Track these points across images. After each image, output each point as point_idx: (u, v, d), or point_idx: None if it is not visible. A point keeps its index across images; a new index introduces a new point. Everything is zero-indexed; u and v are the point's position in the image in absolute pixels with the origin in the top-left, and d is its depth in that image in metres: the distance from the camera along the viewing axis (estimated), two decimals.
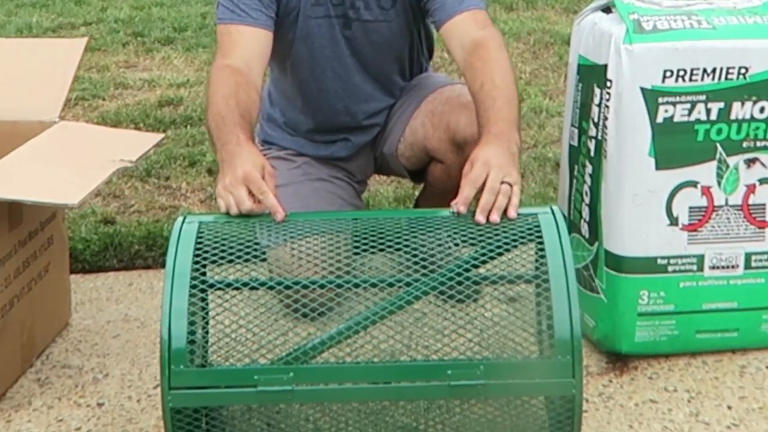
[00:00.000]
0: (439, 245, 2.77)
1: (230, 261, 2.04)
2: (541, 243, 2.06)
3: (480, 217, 2.08)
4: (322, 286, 2.44)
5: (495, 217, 2.07)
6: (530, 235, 2.15)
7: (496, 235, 2.08)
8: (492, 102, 2.26)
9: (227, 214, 2.10)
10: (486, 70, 2.34)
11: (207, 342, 2.11)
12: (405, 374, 2.00)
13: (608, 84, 2.36)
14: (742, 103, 2.35)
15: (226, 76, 2.38)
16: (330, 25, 2.60)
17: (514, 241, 2.16)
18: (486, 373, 1.93)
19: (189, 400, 1.95)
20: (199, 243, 2.04)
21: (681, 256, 2.40)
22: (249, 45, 2.46)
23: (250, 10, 2.48)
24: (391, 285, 2.35)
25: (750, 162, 2.39)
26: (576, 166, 2.53)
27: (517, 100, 2.31)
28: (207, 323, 2.10)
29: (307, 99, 2.73)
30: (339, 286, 2.39)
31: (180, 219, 2.07)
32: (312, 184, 2.73)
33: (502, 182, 2.09)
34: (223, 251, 2.03)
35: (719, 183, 2.38)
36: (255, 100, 2.38)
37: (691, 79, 2.33)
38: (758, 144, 2.38)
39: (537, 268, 2.14)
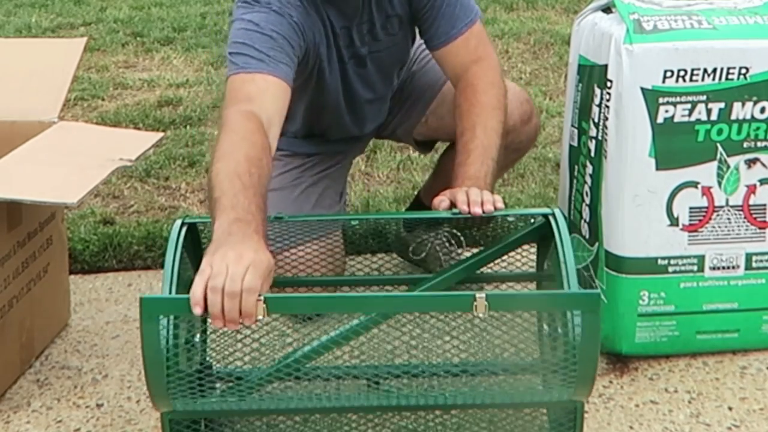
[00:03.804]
0: (440, 246, 2.78)
1: None
2: (542, 244, 2.05)
3: (476, 209, 2.08)
4: (322, 285, 2.44)
5: (489, 207, 2.09)
6: (531, 236, 2.15)
7: (498, 236, 2.08)
8: (465, 157, 2.28)
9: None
10: (470, 116, 2.35)
11: (206, 345, 2.11)
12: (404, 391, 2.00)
13: (608, 84, 2.36)
14: (743, 104, 2.35)
15: (252, 130, 2.09)
16: (343, 69, 2.51)
17: (516, 242, 2.15)
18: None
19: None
20: (198, 245, 2.04)
21: (681, 257, 2.39)
22: (274, 97, 2.19)
23: (278, 63, 2.23)
24: (392, 284, 2.35)
25: (750, 162, 2.39)
26: (576, 167, 2.53)
27: (496, 148, 2.30)
28: (206, 326, 2.10)
29: (319, 130, 2.70)
30: (338, 286, 2.37)
31: (178, 221, 2.07)
32: (302, 186, 2.70)
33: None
34: None
35: (720, 183, 2.38)
36: (270, 170, 2.11)
37: (691, 80, 2.32)
38: (759, 144, 2.38)
39: (538, 271, 2.14)
